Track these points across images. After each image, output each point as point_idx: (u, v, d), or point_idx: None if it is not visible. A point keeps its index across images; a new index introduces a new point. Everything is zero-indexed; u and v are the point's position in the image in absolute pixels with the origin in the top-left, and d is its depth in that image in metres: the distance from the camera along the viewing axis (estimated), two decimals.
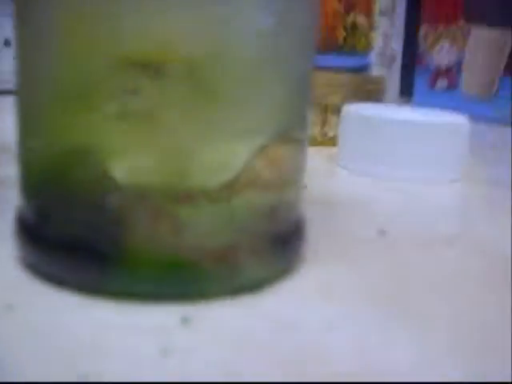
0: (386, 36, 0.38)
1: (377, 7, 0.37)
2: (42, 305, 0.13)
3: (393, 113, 0.30)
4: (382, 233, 0.20)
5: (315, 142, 0.35)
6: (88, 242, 0.13)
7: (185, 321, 0.13)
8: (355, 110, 0.31)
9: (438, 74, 0.73)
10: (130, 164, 0.12)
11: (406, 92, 0.79)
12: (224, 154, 0.13)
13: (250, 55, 0.13)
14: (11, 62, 0.61)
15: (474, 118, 0.66)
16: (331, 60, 0.36)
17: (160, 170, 0.12)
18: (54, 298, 0.13)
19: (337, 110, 0.35)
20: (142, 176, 0.12)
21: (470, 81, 0.70)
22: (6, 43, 0.62)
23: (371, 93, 0.37)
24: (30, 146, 0.14)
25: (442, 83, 0.73)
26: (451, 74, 0.72)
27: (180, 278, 0.13)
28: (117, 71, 0.12)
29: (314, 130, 0.36)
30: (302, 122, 0.16)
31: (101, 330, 0.12)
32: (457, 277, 0.17)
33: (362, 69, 0.37)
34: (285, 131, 0.15)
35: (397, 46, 0.78)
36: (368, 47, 0.37)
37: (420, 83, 0.76)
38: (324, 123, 0.36)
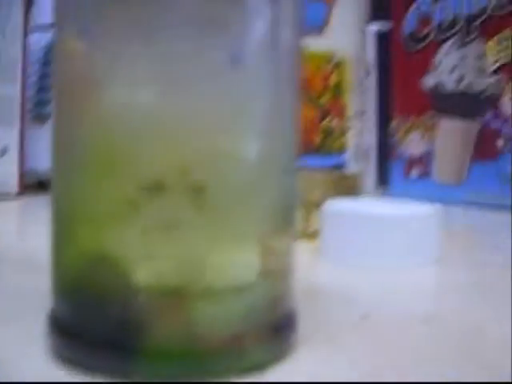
0: (359, 135, 0.42)
1: (349, 111, 0.41)
2: None
3: (368, 207, 0.33)
4: (366, 317, 0.22)
5: (301, 237, 0.38)
6: (114, 336, 0.15)
7: None
8: (333, 205, 0.34)
9: (411, 163, 0.77)
10: (151, 269, 0.15)
11: (383, 182, 0.83)
12: (233, 255, 0.16)
13: (246, 177, 0.16)
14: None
15: (448, 202, 0.70)
16: (310, 161, 0.40)
17: (178, 273, 0.15)
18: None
19: (317, 206, 0.38)
20: (161, 279, 0.15)
21: (442, 168, 0.74)
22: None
23: (348, 188, 0.40)
24: (63, 253, 0.17)
25: (415, 172, 0.77)
26: (424, 162, 0.76)
27: (193, 362, 0.15)
28: (140, 192, 0.15)
29: (299, 225, 0.38)
30: (294, 216, 0.19)
31: None
32: (436, 352, 0.19)
33: (338, 167, 0.41)
34: (282, 226, 0.18)
35: (370, 139, 0.83)
36: (343, 147, 0.40)
37: (395, 173, 0.80)
38: (306, 219, 0.39)
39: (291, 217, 0.19)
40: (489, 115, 0.69)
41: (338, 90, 0.39)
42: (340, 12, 0.39)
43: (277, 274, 0.17)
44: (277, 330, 0.17)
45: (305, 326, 0.19)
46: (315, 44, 0.38)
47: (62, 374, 0.16)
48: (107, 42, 0.15)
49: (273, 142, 0.17)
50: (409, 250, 0.32)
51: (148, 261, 0.15)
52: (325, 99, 0.39)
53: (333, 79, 0.39)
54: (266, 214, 0.17)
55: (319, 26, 0.38)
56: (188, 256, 0.15)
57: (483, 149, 0.70)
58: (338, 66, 0.39)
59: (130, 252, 0.15)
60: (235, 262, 0.16)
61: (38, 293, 0.21)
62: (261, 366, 0.17)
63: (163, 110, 0.15)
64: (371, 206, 0.33)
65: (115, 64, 0.15)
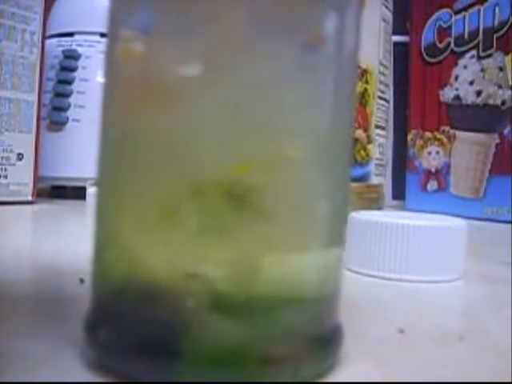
0: (382, 147, 0.41)
1: (373, 122, 0.40)
2: None
3: (394, 218, 0.32)
4: (401, 331, 0.21)
5: None
6: (161, 341, 0.15)
7: None
8: (360, 216, 0.33)
9: (427, 176, 0.77)
10: (201, 274, 0.15)
11: (399, 196, 0.82)
12: (289, 265, 0.15)
13: (307, 180, 0.16)
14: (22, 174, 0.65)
15: (465, 217, 0.70)
16: None
17: (229, 280, 0.15)
18: None
19: None
20: (212, 285, 0.15)
21: (458, 183, 0.74)
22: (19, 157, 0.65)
23: (372, 200, 0.40)
24: (106, 256, 0.16)
25: (432, 185, 0.76)
26: (440, 176, 0.75)
27: (242, 371, 0.15)
28: (194, 194, 0.14)
29: None
30: (345, 227, 0.18)
31: None
32: (470, 369, 0.18)
33: (362, 178, 0.40)
34: (338, 237, 0.17)
35: (387, 152, 0.83)
36: (367, 158, 0.40)
37: (411, 186, 0.79)
38: None
39: (344, 227, 0.18)
40: (508, 128, 0.69)
41: (362, 100, 0.39)
42: (366, 22, 0.38)
43: (332, 287, 0.17)
44: (328, 344, 0.17)
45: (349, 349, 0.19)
46: None
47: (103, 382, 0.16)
48: (173, 41, 0.15)
49: (333, 148, 0.16)
50: (437, 263, 0.31)
51: (198, 266, 0.14)
52: None
53: (358, 88, 0.39)
54: (326, 223, 0.16)
55: None
56: (241, 263, 0.15)
57: (502, 163, 0.69)
58: (364, 75, 0.38)
59: (179, 256, 0.15)
60: (292, 272, 0.15)
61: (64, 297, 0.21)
62: (311, 380, 0.16)
63: (226, 109, 0.15)
64: (397, 217, 0.33)
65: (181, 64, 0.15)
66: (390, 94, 0.80)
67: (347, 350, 0.18)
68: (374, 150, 0.40)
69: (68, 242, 0.41)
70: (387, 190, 0.83)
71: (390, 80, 0.81)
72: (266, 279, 0.15)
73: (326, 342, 0.17)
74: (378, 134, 0.40)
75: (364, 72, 0.38)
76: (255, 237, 0.15)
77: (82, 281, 0.26)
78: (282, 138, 0.15)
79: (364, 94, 0.39)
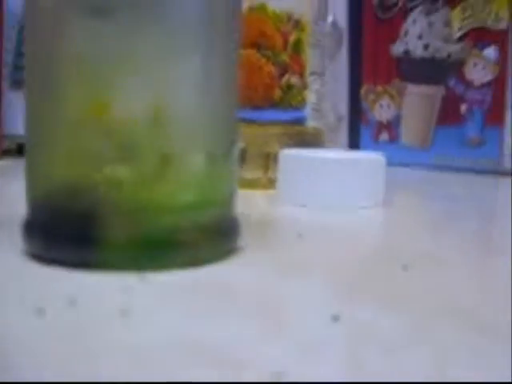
0: (318, 93, 0.44)
1: (308, 69, 0.43)
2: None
3: (319, 154, 0.36)
4: (300, 235, 0.25)
5: (260, 185, 0.41)
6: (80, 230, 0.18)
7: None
8: (289, 153, 0.37)
9: (380, 128, 0.80)
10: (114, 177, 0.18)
11: (354, 147, 0.86)
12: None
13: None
14: None
15: (415, 165, 0.73)
16: (270, 114, 0.42)
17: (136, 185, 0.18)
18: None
19: (277, 158, 0.40)
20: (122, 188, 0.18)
21: (409, 133, 0.77)
22: None
23: (307, 142, 0.43)
24: (37, 161, 0.20)
25: (384, 136, 0.80)
26: (391, 127, 0.79)
27: (144, 252, 0.18)
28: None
29: (258, 174, 0.41)
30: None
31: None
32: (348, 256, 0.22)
33: (298, 121, 0.43)
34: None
35: (342, 106, 0.86)
36: (302, 103, 0.43)
37: (365, 138, 0.83)
38: (266, 169, 0.42)
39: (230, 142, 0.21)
40: (453, 81, 0.72)
41: (297, 49, 0.42)
42: None
43: (224, 189, 0.20)
44: (222, 234, 0.21)
45: (251, 244, 0.22)
46: (275, 4, 0.41)
47: (36, 266, 0.19)
48: None
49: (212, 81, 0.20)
50: (358, 191, 0.35)
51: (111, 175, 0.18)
52: (284, 56, 0.41)
53: (292, 38, 0.41)
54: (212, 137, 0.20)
55: None
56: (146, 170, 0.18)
57: (447, 114, 0.73)
58: (297, 25, 0.41)
59: (96, 159, 0.18)
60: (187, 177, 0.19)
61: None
62: (209, 260, 0.20)
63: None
64: (322, 153, 0.36)
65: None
66: (344, 48, 0.83)
67: (248, 246, 0.22)
68: (309, 96, 0.43)
69: None
70: (344, 141, 0.87)
71: (345, 34, 0.83)
72: (166, 183, 0.18)
73: (218, 232, 0.20)
74: (314, 81, 0.44)
75: (297, 22, 0.41)
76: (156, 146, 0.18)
77: None
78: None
79: (298, 43, 0.42)
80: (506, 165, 0.67)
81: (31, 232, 0.20)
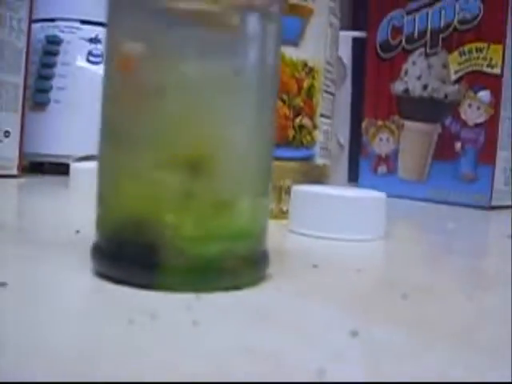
0: (326, 133, 0.49)
1: (318, 111, 0.48)
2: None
3: (328, 190, 0.40)
4: (315, 266, 0.29)
5: (272, 216, 0.45)
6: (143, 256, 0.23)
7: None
8: (301, 188, 0.41)
9: (378, 160, 0.85)
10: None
11: (353, 178, 0.90)
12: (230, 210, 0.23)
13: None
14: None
15: (411, 197, 0.77)
16: (284, 152, 0.47)
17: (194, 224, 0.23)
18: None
19: (289, 191, 0.45)
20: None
21: (405, 167, 0.82)
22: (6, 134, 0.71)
23: (316, 177, 0.48)
24: (109, 198, 0.24)
25: (382, 169, 0.84)
26: (389, 161, 0.83)
27: (195, 276, 0.23)
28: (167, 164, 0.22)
29: (272, 205, 0.46)
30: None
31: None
32: (368, 292, 0.26)
33: (308, 158, 0.48)
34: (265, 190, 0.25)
35: (344, 139, 0.91)
36: (312, 142, 0.48)
37: (364, 170, 0.87)
38: (279, 201, 0.46)
39: (268, 184, 0.26)
40: (449, 120, 0.77)
41: (309, 93, 0.46)
42: (314, 26, 0.46)
43: (260, 224, 0.25)
44: (256, 264, 0.25)
45: (275, 271, 0.27)
46: (292, 53, 0.45)
47: (105, 284, 0.23)
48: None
49: (259, 131, 0.24)
50: (360, 226, 0.39)
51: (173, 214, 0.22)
52: (298, 100, 0.46)
53: (306, 83, 0.46)
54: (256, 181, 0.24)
55: (295, 39, 0.45)
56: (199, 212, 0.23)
57: (443, 150, 0.77)
58: (310, 72, 0.46)
59: (161, 207, 0.23)
60: (233, 216, 0.23)
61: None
62: (246, 285, 0.24)
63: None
64: (331, 190, 0.41)
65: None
66: (348, 84, 0.88)
67: (274, 274, 0.26)
68: (318, 136, 0.48)
69: (58, 203, 0.49)
70: (343, 173, 0.91)
71: (349, 71, 0.88)
72: (216, 222, 0.23)
73: (255, 261, 0.25)
74: (323, 122, 0.48)
75: (311, 70, 0.46)
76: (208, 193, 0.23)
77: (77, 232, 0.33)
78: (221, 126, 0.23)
79: (311, 89, 0.46)
80: (496, 201, 0.72)
81: (101, 255, 0.24)
